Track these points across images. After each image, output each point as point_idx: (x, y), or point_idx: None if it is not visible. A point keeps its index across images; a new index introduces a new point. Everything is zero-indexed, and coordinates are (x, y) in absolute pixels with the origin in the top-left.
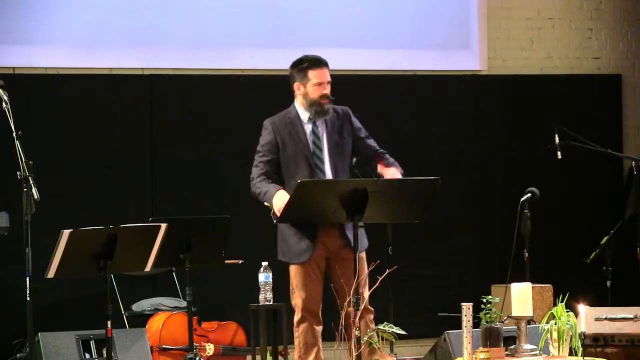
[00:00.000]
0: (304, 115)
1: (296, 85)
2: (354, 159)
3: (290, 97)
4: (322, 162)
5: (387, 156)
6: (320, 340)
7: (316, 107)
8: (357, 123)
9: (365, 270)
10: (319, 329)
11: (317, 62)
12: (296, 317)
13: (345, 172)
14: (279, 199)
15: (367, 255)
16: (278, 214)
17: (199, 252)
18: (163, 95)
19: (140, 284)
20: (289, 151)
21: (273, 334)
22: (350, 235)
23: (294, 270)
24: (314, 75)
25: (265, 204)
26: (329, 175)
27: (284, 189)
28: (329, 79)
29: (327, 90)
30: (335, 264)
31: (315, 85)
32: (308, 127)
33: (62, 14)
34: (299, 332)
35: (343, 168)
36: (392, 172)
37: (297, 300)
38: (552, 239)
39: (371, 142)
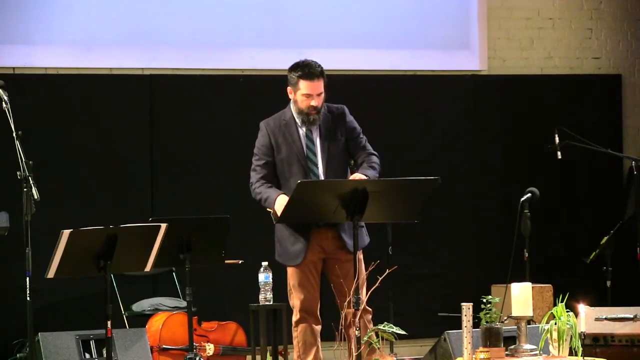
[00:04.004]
0: (299, 118)
1: (289, 89)
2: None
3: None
4: (316, 165)
5: (371, 159)
6: (319, 339)
7: (303, 117)
8: (351, 123)
9: (364, 271)
10: (318, 328)
11: (309, 75)
12: (294, 318)
13: (342, 173)
14: (281, 205)
15: (366, 255)
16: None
17: (199, 252)
18: (163, 95)
19: (140, 284)
20: (283, 153)
21: (273, 334)
22: (345, 237)
23: (290, 271)
24: (304, 86)
25: (268, 209)
26: (322, 178)
27: (285, 194)
28: (321, 90)
29: (317, 102)
30: (334, 265)
31: (303, 95)
32: (302, 130)
33: (62, 14)
34: (297, 332)
35: (340, 170)
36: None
37: (294, 301)
38: (552, 239)
39: (361, 142)
